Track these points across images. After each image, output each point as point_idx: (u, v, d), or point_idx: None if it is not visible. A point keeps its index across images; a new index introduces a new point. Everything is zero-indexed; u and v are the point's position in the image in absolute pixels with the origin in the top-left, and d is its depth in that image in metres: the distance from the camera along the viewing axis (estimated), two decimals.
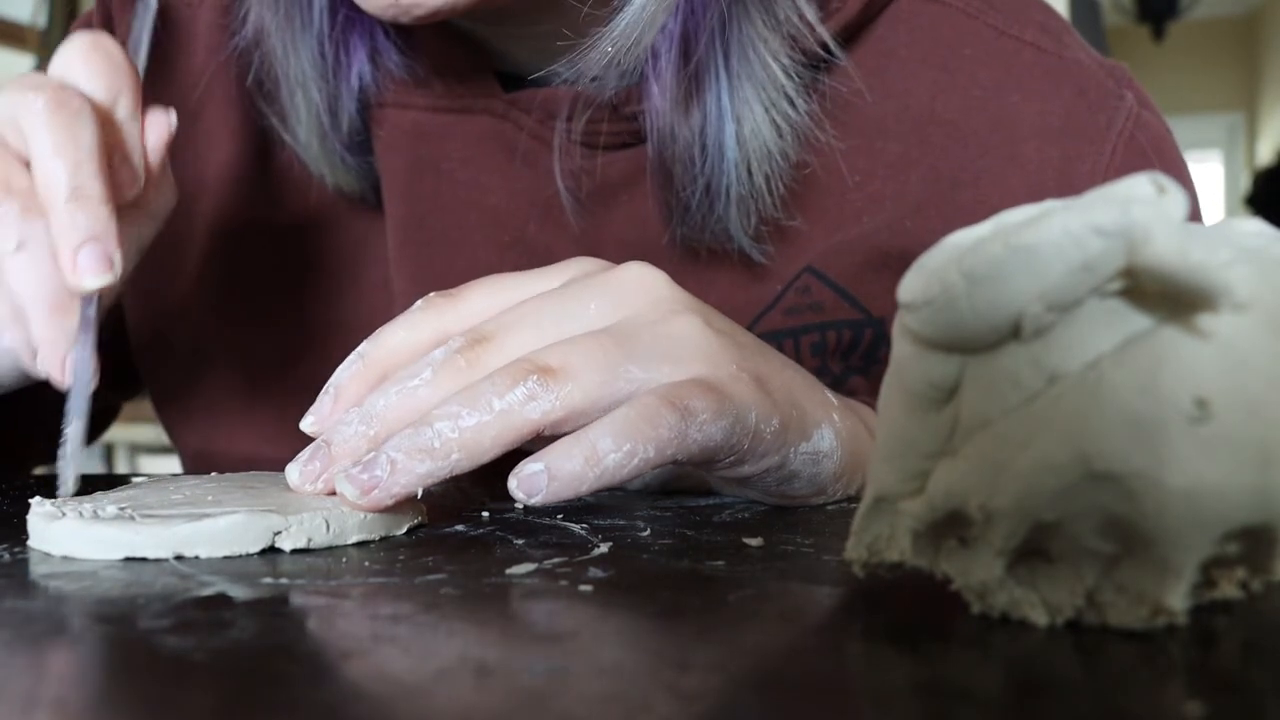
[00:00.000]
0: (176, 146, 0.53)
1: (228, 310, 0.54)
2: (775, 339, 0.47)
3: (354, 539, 0.31)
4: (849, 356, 0.48)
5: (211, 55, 0.53)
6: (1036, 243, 0.19)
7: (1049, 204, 0.21)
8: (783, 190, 0.45)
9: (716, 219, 0.45)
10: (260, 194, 0.53)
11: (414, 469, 0.30)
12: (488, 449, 0.30)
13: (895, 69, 0.47)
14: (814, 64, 0.46)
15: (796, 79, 0.44)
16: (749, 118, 0.43)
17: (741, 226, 0.45)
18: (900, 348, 0.23)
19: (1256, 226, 0.22)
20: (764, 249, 0.46)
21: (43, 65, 0.44)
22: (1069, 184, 0.46)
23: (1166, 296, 0.20)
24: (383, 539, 0.32)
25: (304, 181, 0.52)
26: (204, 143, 0.53)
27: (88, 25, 0.56)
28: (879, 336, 0.47)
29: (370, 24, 0.48)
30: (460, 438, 0.30)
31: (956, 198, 0.47)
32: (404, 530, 0.33)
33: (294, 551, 0.30)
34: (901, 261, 0.46)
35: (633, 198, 0.48)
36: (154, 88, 0.53)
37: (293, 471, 0.32)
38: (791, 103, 0.44)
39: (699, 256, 0.48)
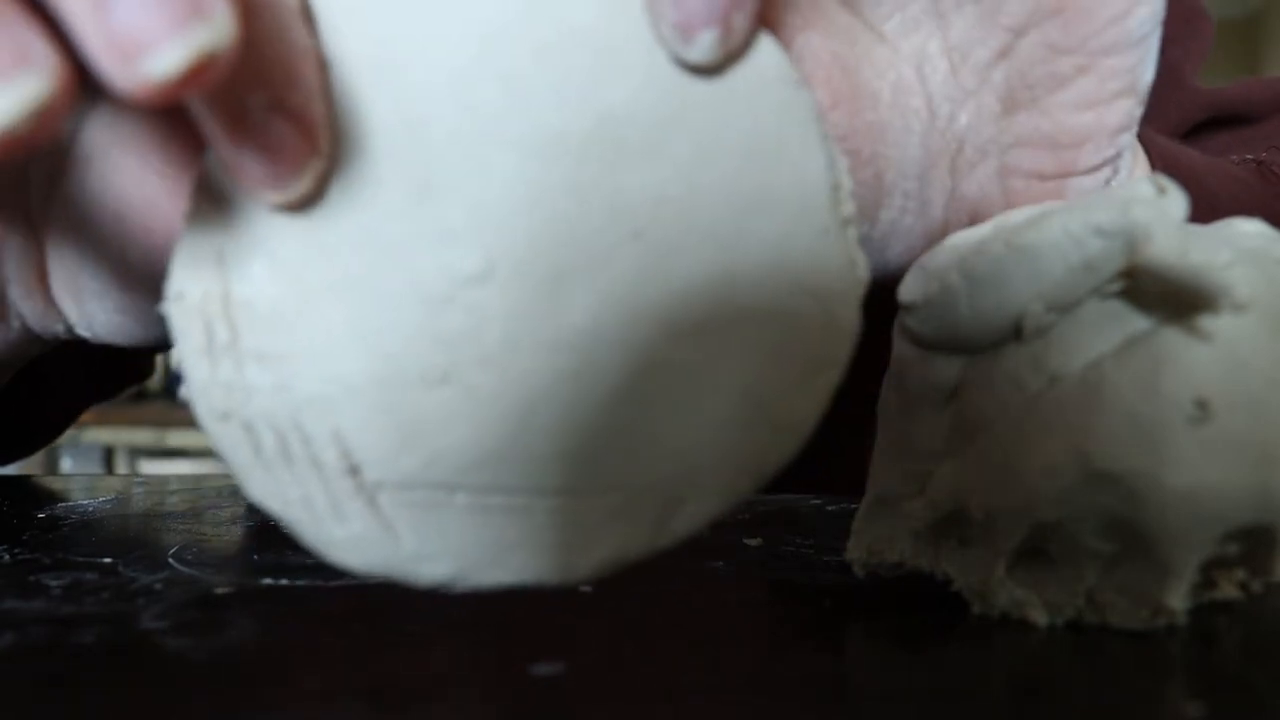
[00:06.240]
0: None
1: None
2: None
3: None
4: None
5: None
6: (1037, 243, 0.19)
7: (1049, 205, 0.21)
8: None
9: None
10: None
11: None
12: None
13: None
14: None
15: None
16: None
17: None
18: (900, 348, 0.23)
19: (1256, 227, 0.22)
20: None
21: None
22: None
23: (1167, 297, 0.20)
24: None
25: None
26: None
27: None
28: None
29: None
30: None
31: None
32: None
33: (293, 552, 0.29)
34: None
35: None
36: None
37: None
38: None
39: None
